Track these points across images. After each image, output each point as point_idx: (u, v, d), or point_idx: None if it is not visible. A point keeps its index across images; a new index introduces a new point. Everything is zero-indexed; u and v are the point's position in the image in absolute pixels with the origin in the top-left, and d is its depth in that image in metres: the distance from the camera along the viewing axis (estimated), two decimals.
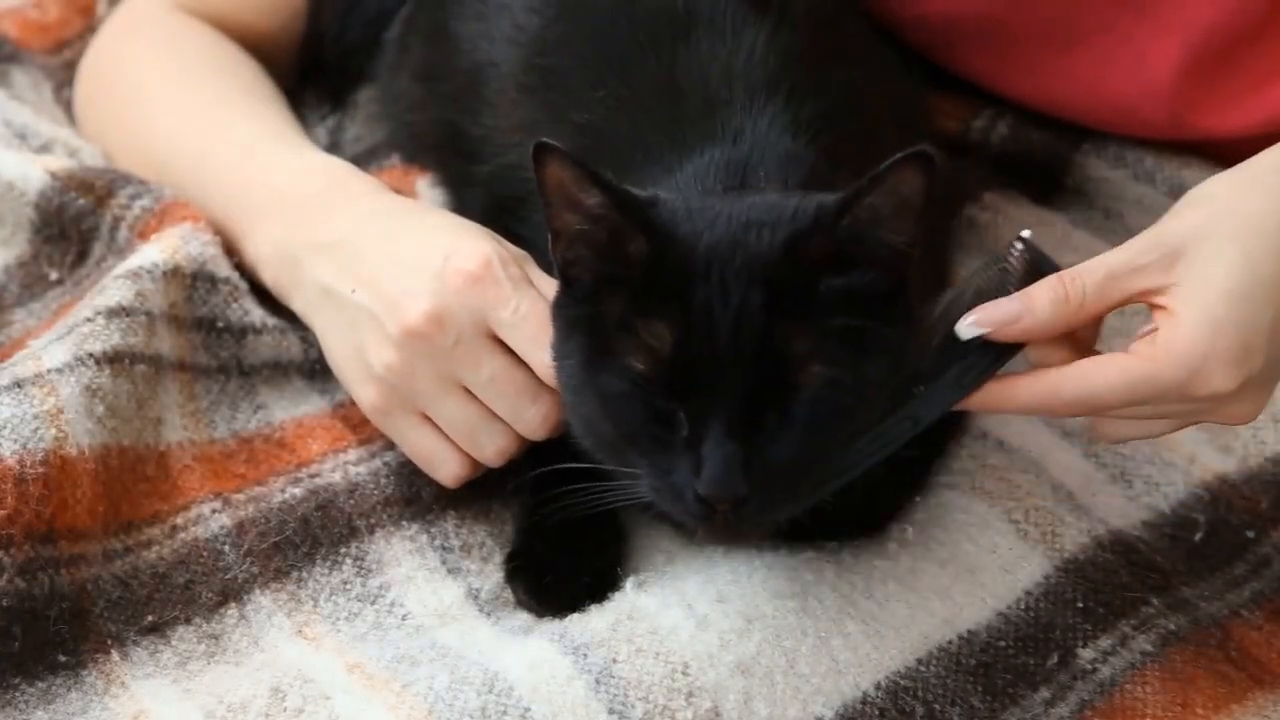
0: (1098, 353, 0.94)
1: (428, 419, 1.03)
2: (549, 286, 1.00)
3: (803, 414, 0.89)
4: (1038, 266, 0.93)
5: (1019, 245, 0.93)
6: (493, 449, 1.03)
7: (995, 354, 0.92)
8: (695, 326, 0.89)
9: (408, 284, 1.02)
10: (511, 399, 1.01)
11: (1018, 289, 0.92)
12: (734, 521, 0.90)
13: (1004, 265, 0.93)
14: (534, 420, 1.01)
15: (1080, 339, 0.94)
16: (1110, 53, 1.22)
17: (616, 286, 0.92)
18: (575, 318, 0.94)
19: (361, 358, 1.04)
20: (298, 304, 1.11)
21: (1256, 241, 0.90)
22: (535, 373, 1.00)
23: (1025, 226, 1.22)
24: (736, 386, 0.89)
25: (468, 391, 1.02)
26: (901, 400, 0.92)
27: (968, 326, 0.91)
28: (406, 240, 1.05)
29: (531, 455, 1.04)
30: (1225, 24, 1.19)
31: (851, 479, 0.93)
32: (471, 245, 1.02)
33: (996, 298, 0.91)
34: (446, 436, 1.03)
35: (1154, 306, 0.91)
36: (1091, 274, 0.91)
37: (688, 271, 0.90)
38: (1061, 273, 0.91)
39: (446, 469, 1.04)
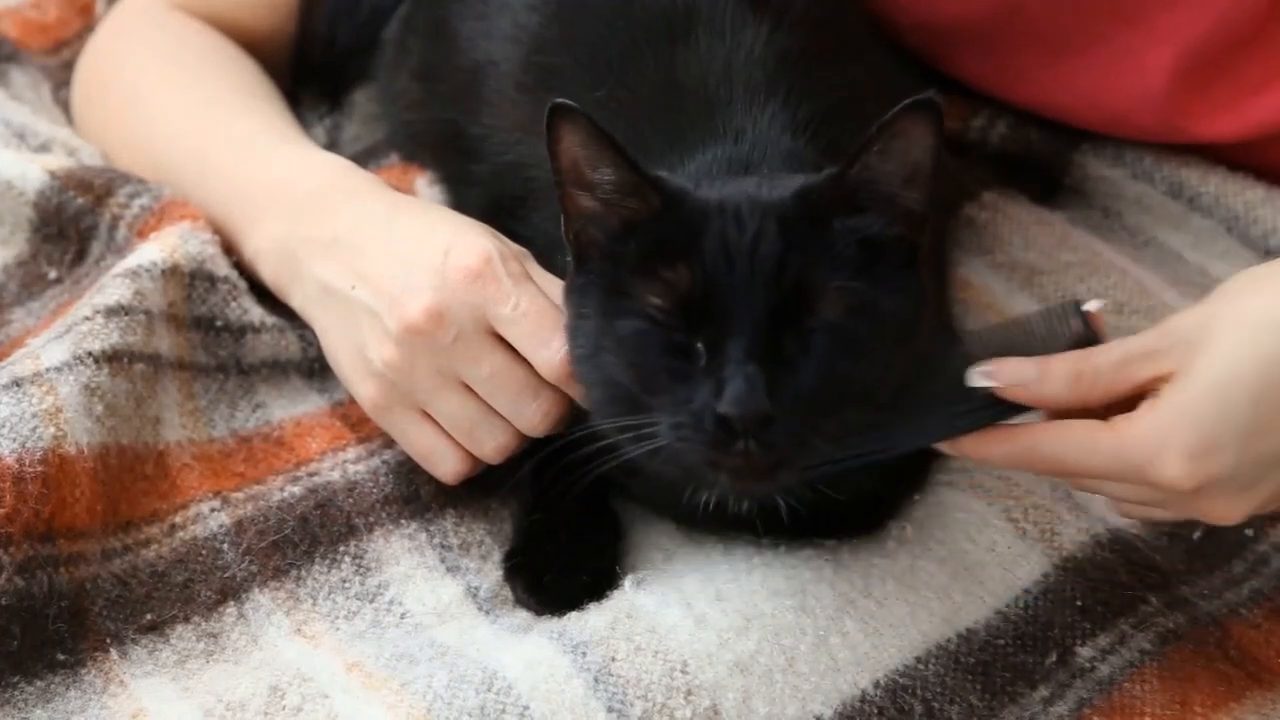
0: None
1: (427, 416, 1.03)
2: (549, 283, 1.00)
3: (822, 341, 0.89)
4: (1084, 339, 0.92)
5: (1077, 315, 0.92)
6: (492, 446, 1.03)
7: (1002, 408, 0.91)
8: (713, 260, 0.90)
9: (408, 280, 1.02)
10: (511, 395, 1.01)
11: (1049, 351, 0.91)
12: (757, 452, 0.88)
13: (1055, 325, 0.92)
14: (534, 417, 1.01)
15: (1093, 412, 0.92)
16: (1104, 61, 1.22)
17: (634, 236, 0.92)
18: (588, 284, 0.95)
19: (361, 354, 1.04)
20: (297, 301, 1.11)
21: (1244, 337, 0.88)
22: (535, 369, 1.00)
23: (1025, 225, 1.24)
24: (755, 313, 0.89)
25: (467, 388, 1.02)
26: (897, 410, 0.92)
27: (979, 375, 0.91)
28: (406, 236, 1.05)
29: (531, 453, 1.03)
30: (1218, 32, 1.18)
31: (839, 470, 0.92)
32: (472, 241, 1.02)
33: (1029, 353, 0.91)
34: (446, 433, 1.03)
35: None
36: (1108, 356, 0.90)
37: (704, 213, 0.91)
38: (1084, 351, 0.90)
39: (446, 466, 1.04)
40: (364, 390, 1.05)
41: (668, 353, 0.90)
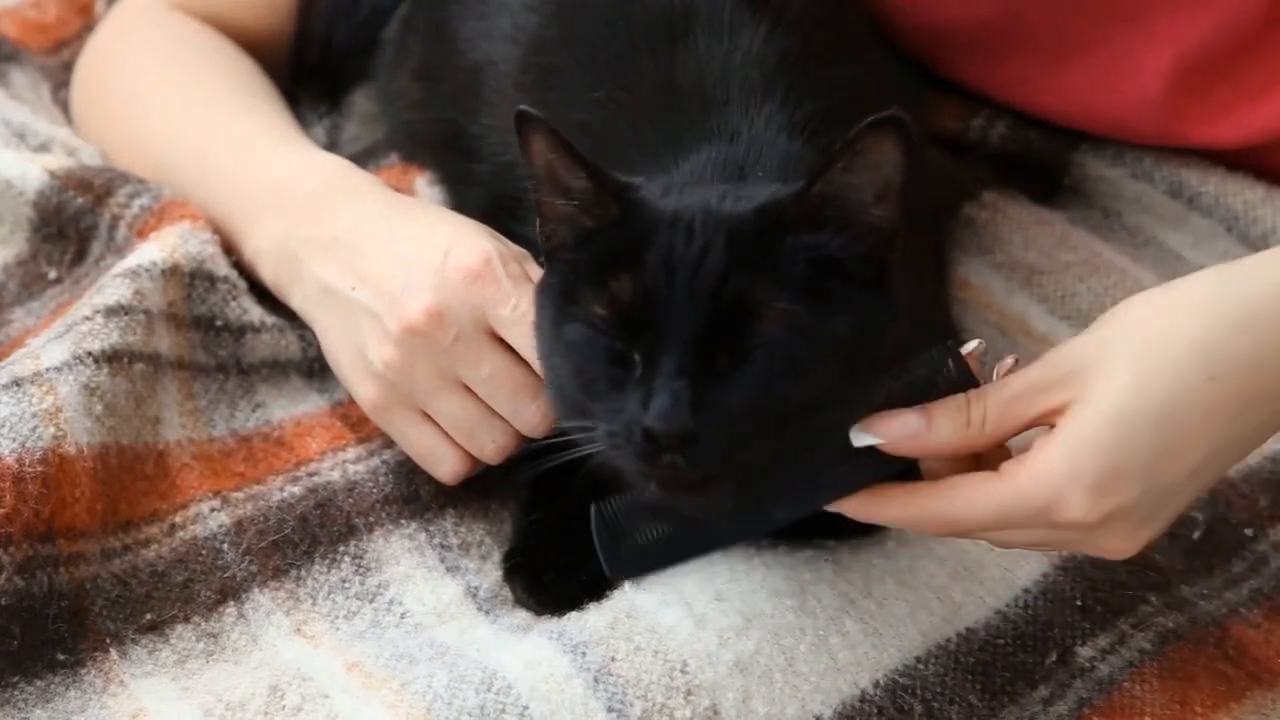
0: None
1: (427, 416, 1.03)
2: None
3: (758, 359, 0.87)
4: (961, 383, 0.89)
5: (952, 357, 0.90)
6: (492, 446, 1.03)
7: (888, 462, 0.88)
8: (655, 272, 0.88)
9: (408, 281, 1.02)
10: (510, 396, 1.01)
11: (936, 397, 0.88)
12: (683, 466, 0.86)
13: (933, 372, 0.90)
14: (533, 418, 1.01)
15: (984, 457, 0.90)
16: (1102, 66, 1.22)
17: (590, 244, 0.91)
18: (550, 286, 0.94)
19: (361, 355, 1.04)
20: (297, 301, 1.11)
21: (1148, 365, 0.85)
22: (534, 370, 1.00)
23: (1025, 225, 1.24)
24: (690, 327, 0.87)
25: (467, 389, 1.02)
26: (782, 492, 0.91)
27: (860, 434, 0.88)
28: (406, 237, 1.05)
29: (531, 456, 1.03)
30: (1217, 38, 1.18)
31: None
32: (471, 242, 1.02)
33: (909, 404, 0.88)
34: (446, 434, 1.03)
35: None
36: (996, 395, 0.87)
37: (655, 224, 0.89)
38: (968, 393, 0.87)
39: (446, 466, 1.04)
40: (364, 391, 1.05)
41: (608, 361, 0.89)
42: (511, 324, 1.00)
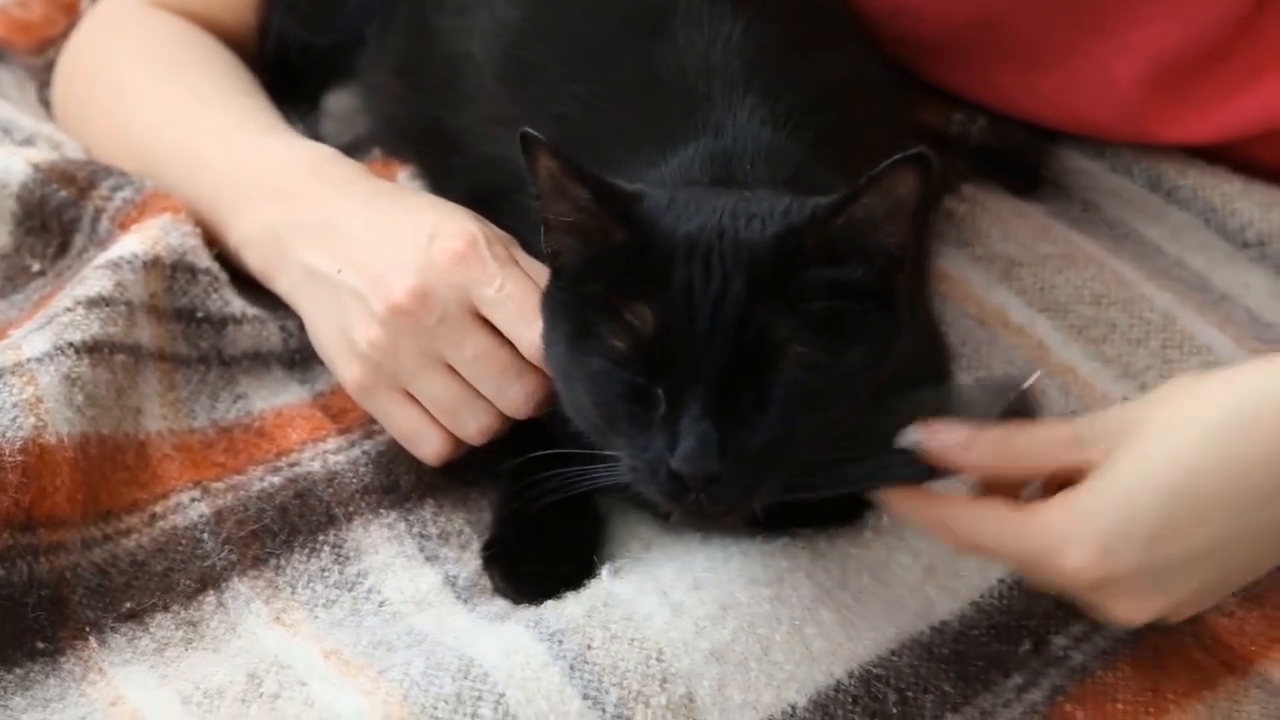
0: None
1: (411, 397, 1.04)
2: (533, 267, 1.01)
3: (779, 396, 0.89)
4: (1017, 412, 0.92)
5: (1015, 390, 0.92)
6: (475, 427, 1.03)
7: (923, 469, 0.90)
8: (676, 307, 0.89)
9: (393, 262, 1.02)
10: (495, 376, 1.02)
11: (976, 412, 0.91)
12: (706, 502, 0.89)
13: (993, 395, 0.93)
14: (517, 398, 1.02)
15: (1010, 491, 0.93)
16: (1076, 74, 1.22)
17: (600, 270, 0.92)
18: (562, 303, 0.95)
19: (346, 336, 1.05)
20: (282, 286, 1.11)
21: (1168, 440, 0.87)
22: (519, 351, 1.01)
23: (1004, 217, 1.24)
24: (715, 366, 0.89)
25: (451, 369, 1.03)
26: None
27: (913, 433, 0.90)
28: (392, 220, 1.06)
29: (512, 438, 1.04)
30: (1191, 42, 1.18)
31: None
32: (457, 224, 1.03)
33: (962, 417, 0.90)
34: (429, 414, 1.04)
35: None
36: (1035, 435, 0.90)
37: (669, 255, 0.90)
38: (1015, 426, 0.90)
39: (429, 447, 1.05)
40: (348, 372, 1.05)
41: (629, 397, 0.91)
42: (496, 305, 1.01)
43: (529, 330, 0.99)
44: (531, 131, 0.90)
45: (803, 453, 0.91)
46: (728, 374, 0.89)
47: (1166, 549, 0.87)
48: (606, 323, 0.91)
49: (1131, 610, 0.89)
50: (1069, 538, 0.87)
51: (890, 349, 0.92)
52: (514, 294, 1.00)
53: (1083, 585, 0.88)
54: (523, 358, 1.01)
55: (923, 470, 0.90)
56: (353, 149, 1.31)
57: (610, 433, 0.93)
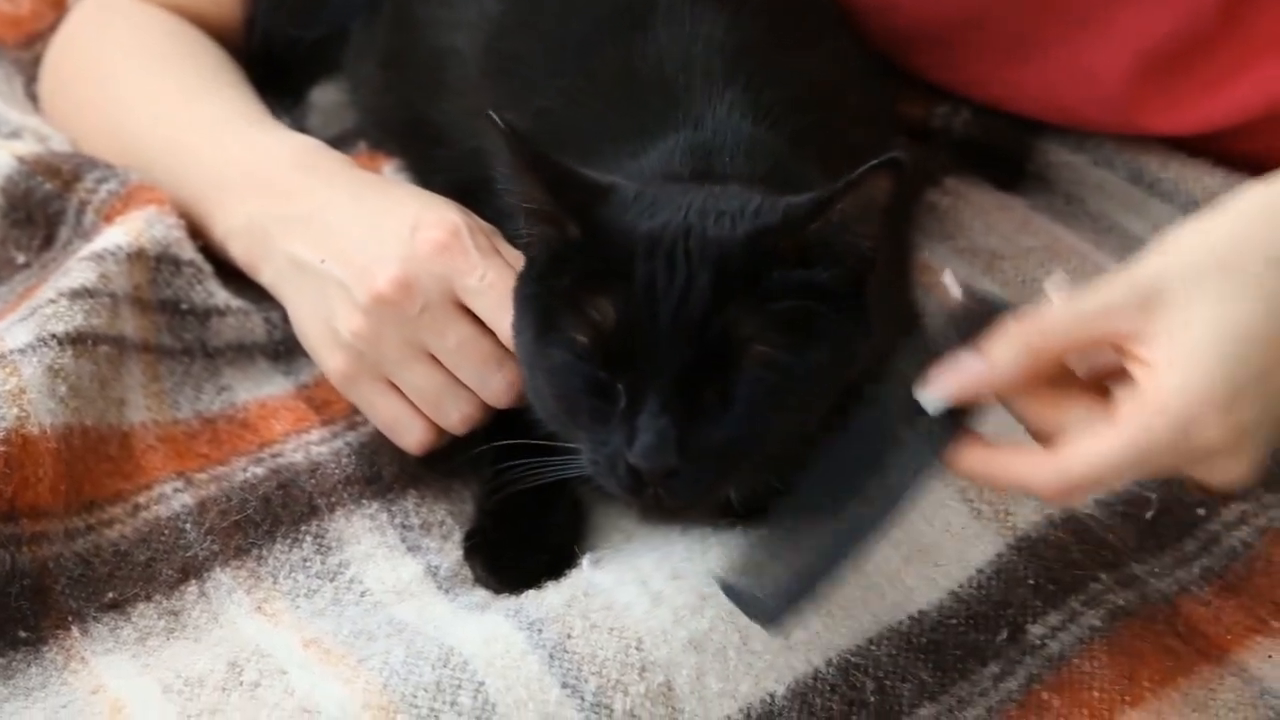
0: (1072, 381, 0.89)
1: (394, 386, 1.05)
2: (515, 257, 1.02)
3: (742, 395, 0.90)
4: (983, 311, 0.88)
5: (955, 292, 0.89)
6: (458, 416, 1.04)
7: (953, 417, 0.87)
8: (638, 302, 0.90)
9: (377, 252, 1.03)
10: (477, 366, 1.02)
11: (964, 339, 0.87)
12: (665, 496, 0.90)
13: (945, 321, 0.89)
14: (499, 388, 1.02)
15: (1049, 376, 0.88)
16: (1062, 65, 1.22)
17: (567, 263, 0.93)
18: (530, 295, 0.96)
19: (329, 326, 1.05)
20: (267, 276, 1.12)
21: (1234, 282, 0.84)
22: (501, 341, 1.01)
23: (986, 210, 1.25)
24: (676, 362, 0.89)
25: (434, 359, 1.03)
26: (853, 491, 0.88)
27: (933, 400, 0.87)
28: (376, 211, 1.06)
29: (493, 429, 1.05)
30: (1175, 36, 1.19)
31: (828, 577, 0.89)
32: (440, 215, 1.04)
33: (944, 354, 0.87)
34: (412, 404, 1.04)
35: (1128, 355, 0.86)
36: (1056, 318, 0.86)
37: (630, 250, 0.91)
38: (1022, 321, 0.86)
39: (411, 436, 1.05)
40: (331, 362, 1.06)
41: (590, 391, 0.91)
42: (478, 294, 1.01)
43: (510, 320, 0.99)
44: (494, 116, 0.90)
45: (766, 450, 0.92)
46: (690, 370, 0.89)
47: (1271, 387, 0.84)
48: (569, 315, 0.91)
49: (1239, 467, 0.85)
50: (1198, 411, 0.82)
51: (858, 350, 0.93)
52: (496, 283, 1.01)
53: (1215, 455, 0.84)
54: (505, 347, 1.01)
55: (952, 419, 0.87)
56: (339, 142, 1.31)
57: (571, 425, 0.93)
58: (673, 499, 0.91)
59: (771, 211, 0.91)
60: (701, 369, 0.89)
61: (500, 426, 1.03)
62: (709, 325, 0.89)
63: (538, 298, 0.95)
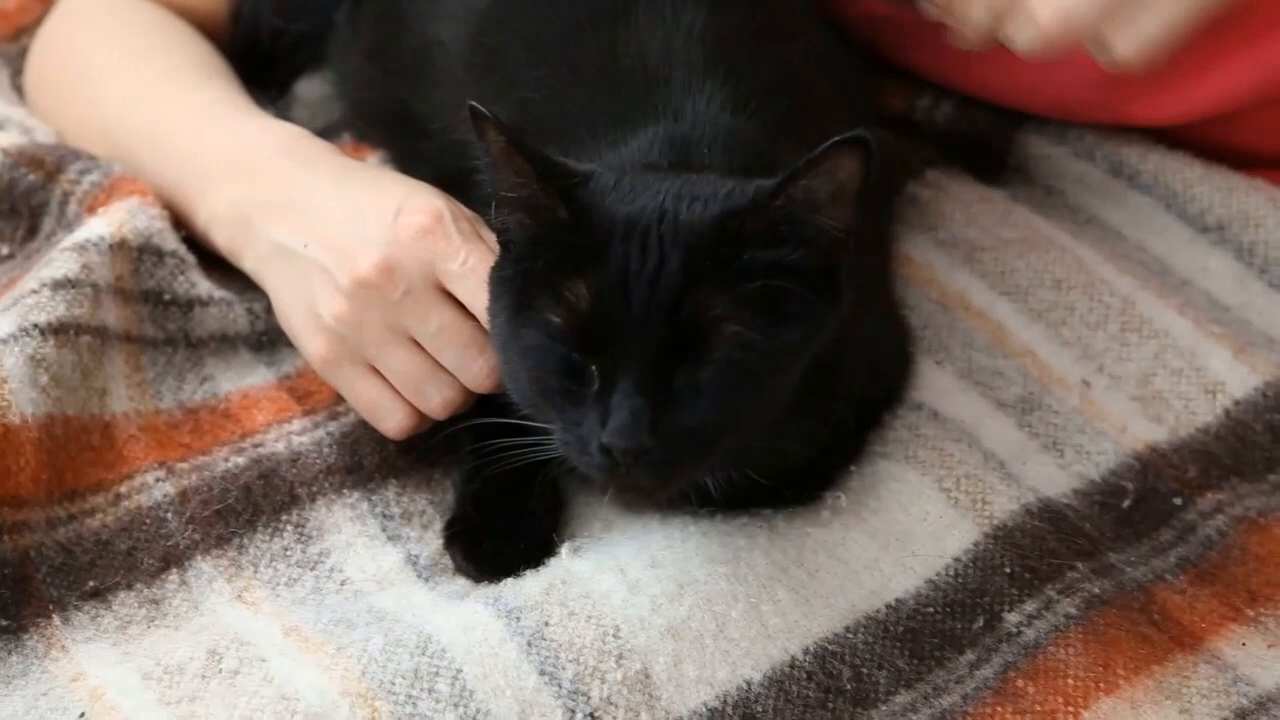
0: None
1: (375, 371, 1.05)
2: (497, 243, 1.02)
3: (713, 375, 0.91)
4: None
5: None
6: (439, 400, 1.04)
7: None
8: (612, 284, 0.90)
9: (359, 236, 1.04)
10: (458, 350, 1.03)
11: None
12: (638, 475, 0.91)
13: None
14: (480, 372, 1.03)
15: None
16: None
17: (543, 247, 0.93)
18: (506, 278, 0.96)
19: (312, 310, 1.06)
20: (249, 263, 1.12)
21: None
22: (482, 325, 1.01)
23: (967, 203, 1.25)
24: (649, 344, 0.90)
25: (415, 343, 1.04)
26: None
27: None
28: (359, 196, 1.07)
29: (473, 415, 1.05)
30: None
31: None
32: (423, 199, 1.04)
33: None
34: (393, 388, 1.05)
35: None
36: None
37: (608, 234, 0.91)
38: None
39: (392, 421, 1.06)
40: (313, 346, 1.06)
41: (563, 372, 0.92)
42: (459, 278, 1.02)
43: None
44: (478, 106, 0.91)
45: (738, 430, 0.93)
46: (662, 351, 0.90)
47: None
48: (544, 297, 0.92)
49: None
50: None
51: (829, 330, 0.94)
52: (478, 268, 1.01)
53: None
54: (485, 332, 1.02)
55: None
56: (324, 135, 1.31)
57: (545, 406, 0.94)
58: (646, 479, 0.91)
59: (741, 194, 0.92)
60: (674, 350, 0.90)
61: (480, 412, 1.03)
62: (681, 306, 0.90)
63: (512, 280, 0.95)
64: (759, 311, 0.91)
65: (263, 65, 1.35)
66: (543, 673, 0.92)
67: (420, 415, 1.05)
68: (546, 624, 0.94)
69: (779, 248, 0.91)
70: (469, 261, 1.01)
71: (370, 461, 1.08)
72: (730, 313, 0.90)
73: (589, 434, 0.91)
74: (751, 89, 1.05)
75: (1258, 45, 1.19)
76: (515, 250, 0.96)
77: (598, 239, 0.91)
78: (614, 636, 0.93)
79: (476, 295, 1.01)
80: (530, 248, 0.94)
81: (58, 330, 1.05)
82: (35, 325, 1.05)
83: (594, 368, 0.91)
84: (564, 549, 1.00)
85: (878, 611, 0.98)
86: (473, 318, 1.02)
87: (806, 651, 0.96)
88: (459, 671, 0.92)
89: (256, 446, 1.08)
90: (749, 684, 0.94)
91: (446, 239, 1.02)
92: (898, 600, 0.99)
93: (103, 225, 1.12)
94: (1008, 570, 1.01)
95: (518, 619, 0.94)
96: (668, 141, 1.01)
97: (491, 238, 1.03)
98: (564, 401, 0.92)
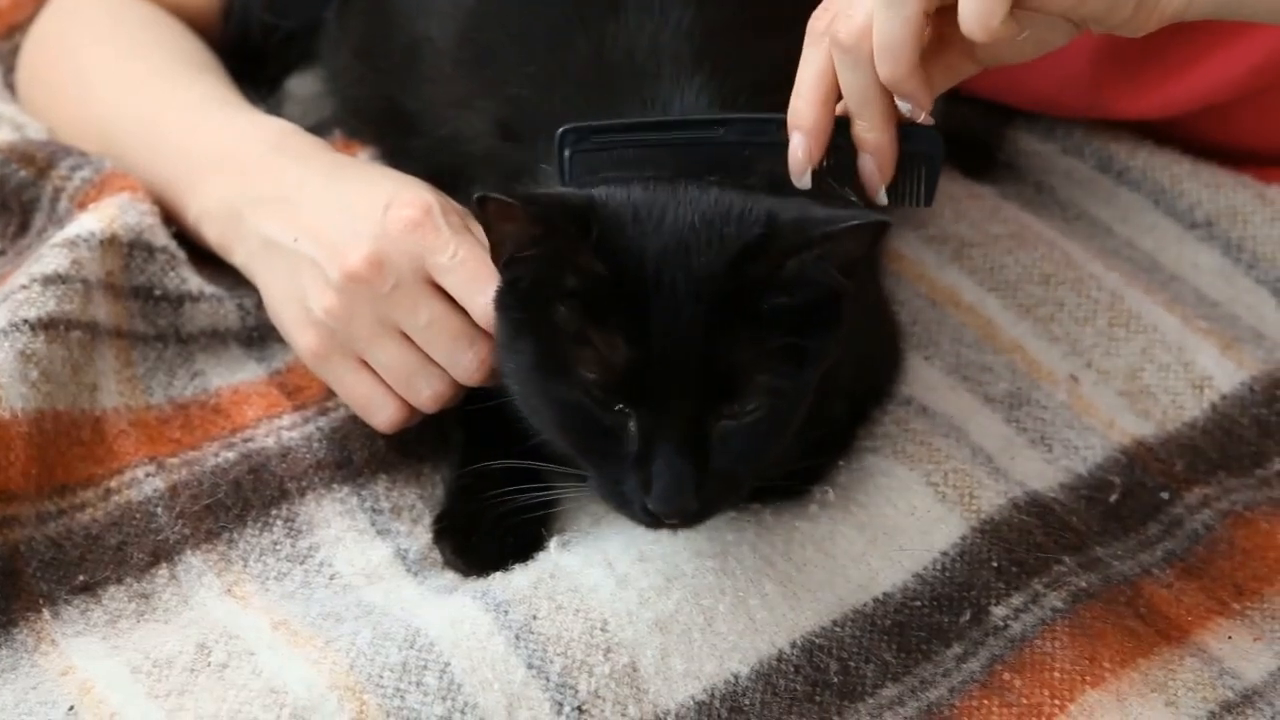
0: None
1: (365, 364, 1.05)
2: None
3: (747, 424, 0.92)
4: None
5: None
6: (429, 394, 1.04)
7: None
8: (648, 339, 0.91)
9: (349, 230, 1.04)
10: (448, 344, 1.03)
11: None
12: (680, 526, 0.94)
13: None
14: (470, 366, 1.03)
15: None
16: None
17: (569, 298, 0.92)
18: (524, 321, 0.95)
19: (302, 305, 1.06)
20: (240, 257, 1.12)
21: None
22: (472, 318, 1.02)
23: (956, 198, 1.25)
24: (686, 400, 0.91)
25: (405, 336, 1.04)
26: None
27: (797, 146, 0.93)
28: (349, 190, 1.07)
29: (465, 407, 1.06)
30: None
31: None
32: (412, 193, 1.05)
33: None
34: (384, 382, 1.05)
35: None
36: None
37: (640, 281, 0.91)
38: None
39: (383, 414, 1.06)
40: (304, 340, 1.06)
41: (600, 432, 0.93)
42: (449, 272, 1.02)
43: (481, 296, 1.00)
44: (489, 194, 0.90)
45: (768, 464, 0.95)
46: (698, 407, 0.91)
47: None
48: (578, 350, 0.92)
49: None
50: None
51: (837, 350, 0.95)
52: (467, 260, 1.01)
53: None
54: (476, 325, 1.02)
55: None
56: (315, 131, 1.30)
57: (579, 456, 0.95)
58: (687, 527, 0.94)
59: (751, 224, 0.91)
60: (708, 404, 0.91)
61: (475, 405, 1.04)
62: (713, 361, 0.91)
63: (535, 326, 0.94)
64: (783, 359, 0.92)
65: (254, 61, 1.35)
66: (531, 666, 0.92)
67: (411, 409, 1.05)
68: (535, 617, 0.94)
69: (793, 293, 0.92)
70: (458, 254, 1.02)
71: (360, 456, 1.08)
72: (758, 363, 0.91)
73: (631, 496, 0.92)
74: (739, 84, 1.05)
75: (1242, 39, 1.19)
76: (525, 290, 0.95)
77: (630, 286, 0.91)
78: (602, 630, 0.94)
79: (466, 288, 1.01)
80: (551, 293, 0.93)
81: (48, 325, 1.06)
82: (25, 320, 1.05)
83: (631, 426, 0.92)
84: (552, 543, 1.00)
85: (865, 605, 0.99)
86: (462, 311, 1.03)
87: (794, 645, 0.96)
88: (447, 665, 0.92)
89: (246, 441, 1.08)
90: (736, 677, 0.94)
91: (436, 232, 1.02)
92: (885, 594, 0.99)
93: (93, 221, 1.12)
94: (995, 564, 1.01)
95: (506, 612, 0.95)
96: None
97: (480, 230, 1.03)
98: (602, 459, 0.94)
